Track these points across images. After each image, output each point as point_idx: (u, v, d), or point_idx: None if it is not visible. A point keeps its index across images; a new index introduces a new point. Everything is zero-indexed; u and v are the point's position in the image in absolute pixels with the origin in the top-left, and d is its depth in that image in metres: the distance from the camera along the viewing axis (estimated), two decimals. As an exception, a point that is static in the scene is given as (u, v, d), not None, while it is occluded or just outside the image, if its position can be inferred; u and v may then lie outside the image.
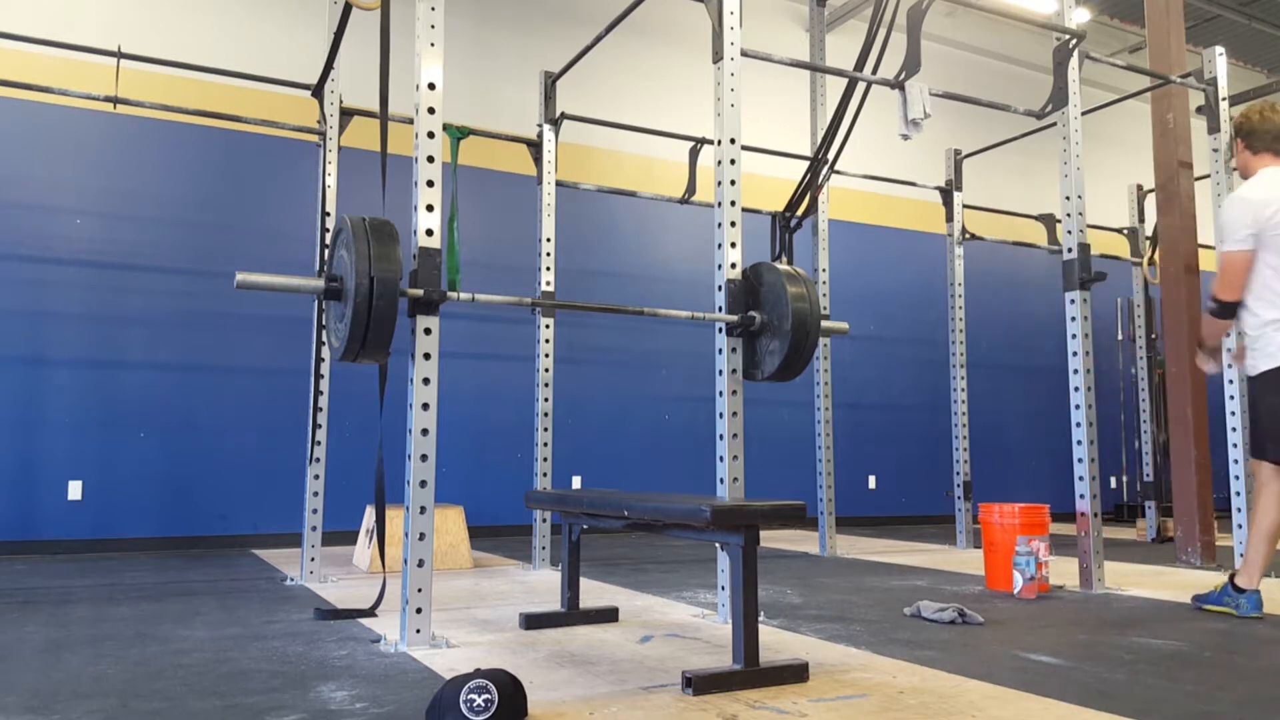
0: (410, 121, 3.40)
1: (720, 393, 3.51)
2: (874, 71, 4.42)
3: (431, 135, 3.08)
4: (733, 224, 3.56)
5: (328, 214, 4.43)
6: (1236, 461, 4.84)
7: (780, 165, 6.58)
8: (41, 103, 5.63)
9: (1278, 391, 3.49)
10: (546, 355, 5.01)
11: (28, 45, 4.86)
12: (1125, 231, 7.65)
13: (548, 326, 5.04)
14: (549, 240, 5.10)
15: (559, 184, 5.25)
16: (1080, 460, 4.35)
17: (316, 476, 4.36)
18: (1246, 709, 2.25)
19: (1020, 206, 7.85)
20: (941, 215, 6.67)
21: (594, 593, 4.03)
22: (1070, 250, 4.47)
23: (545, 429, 4.97)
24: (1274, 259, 3.48)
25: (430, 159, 3.07)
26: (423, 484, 2.98)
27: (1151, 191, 6.61)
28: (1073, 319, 4.40)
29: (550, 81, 5.18)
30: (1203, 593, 3.74)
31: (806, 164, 5.01)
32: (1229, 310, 3.59)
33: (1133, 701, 2.30)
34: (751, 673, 2.48)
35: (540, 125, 5.19)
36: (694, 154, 5.77)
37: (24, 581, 4.44)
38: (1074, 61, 4.59)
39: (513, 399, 6.72)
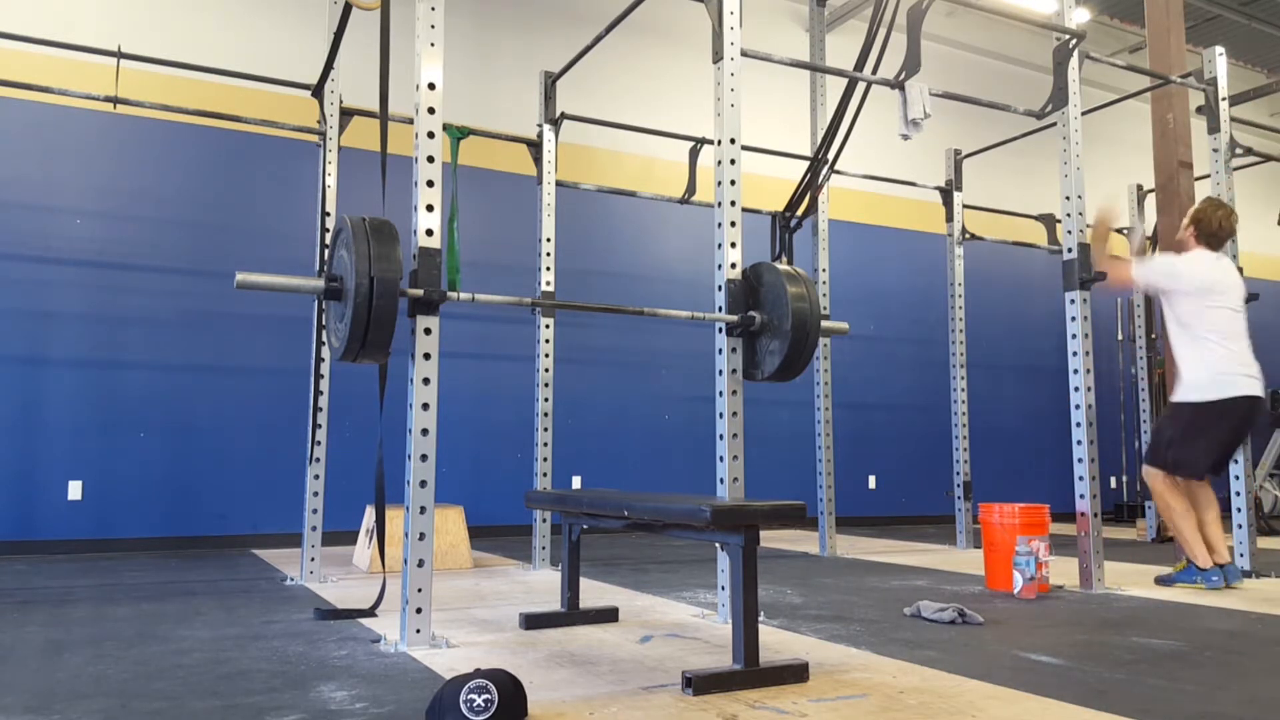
0: (410, 121, 3.40)
1: (720, 393, 3.51)
2: (874, 71, 4.42)
3: (431, 135, 3.08)
4: (733, 224, 3.56)
5: (328, 214, 4.43)
6: (1236, 462, 4.84)
7: (780, 165, 6.58)
8: (41, 103, 5.63)
9: (1177, 419, 4.28)
10: (546, 355, 5.01)
11: (28, 45, 4.85)
12: (1125, 231, 7.65)
13: (548, 326, 5.04)
14: (549, 240, 5.10)
15: (559, 184, 5.25)
16: (1080, 460, 4.34)
17: (316, 476, 4.36)
18: (1247, 709, 2.25)
19: (1020, 206, 7.85)
20: (941, 215, 6.67)
21: (594, 593, 4.03)
22: (1070, 250, 4.47)
23: (545, 429, 4.97)
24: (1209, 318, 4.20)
25: (430, 159, 3.07)
26: (423, 484, 2.98)
27: (1151, 191, 6.61)
28: (1073, 319, 4.40)
29: (550, 81, 5.18)
30: (1164, 574, 4.38)
31: (806, 164, 5.01)
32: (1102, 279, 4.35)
33: (1133, 701, 2.30)
34: (751, 673, 2.48)
35: (540, 125, 5.19)
36: (694, 154, 5.77)
37: (24, 581, 4.44)
38: (1074, 61, 4.59)
39: (513, 399, 6.72)
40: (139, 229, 6.06)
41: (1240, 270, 4.60)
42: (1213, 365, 4.16)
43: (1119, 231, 7.67)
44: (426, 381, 3.01)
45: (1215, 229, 4.37)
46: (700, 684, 2.39)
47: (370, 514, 5.01)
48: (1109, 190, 8.35)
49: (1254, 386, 4.18)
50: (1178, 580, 4.31)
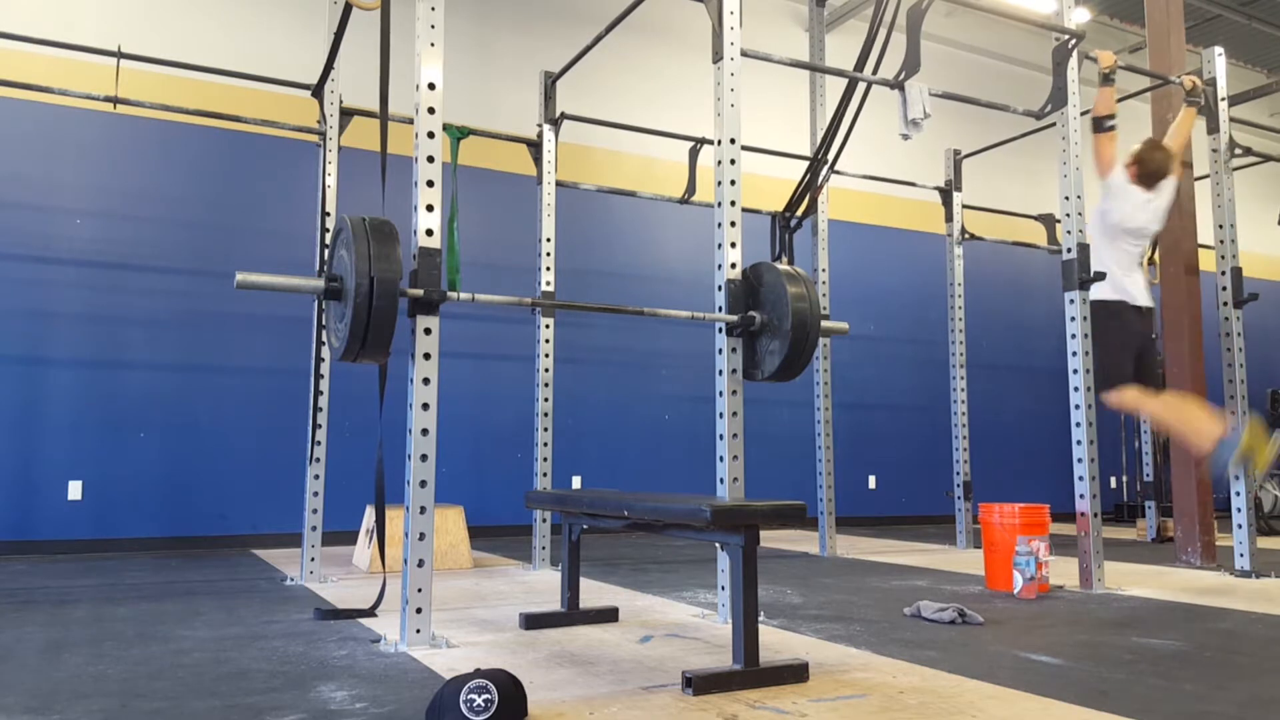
0: (410, 121, 3.40)
1: (720, 393, 3.51)
2: (874, 71, 4.42)
3: (431, 135, 3.08)
4: (733, 224, 3.56)
5: (328, 214, 4.43)
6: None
7: (780, 165, 6.58)
8: (41, 103, 5.63)
9: (1098, 338, 4.45)
10: (546, 355, 5.01)
11: (28, 45, 4.85)
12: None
13: (548, 326, 5.04)
14: (549, 240, 5.10)
15: (559, 184, 5.25)
16: (1080, 460, 4.35)
17: (316, 476, 4.36)
18: (1247, 709, 2.25)
19: (1020, 206, 7.85)
20: (941, 215, 6.67)
21: (594, 593, 4.03)
22: (1070, 250, 4.47)
23: (545, 429, 4.97)
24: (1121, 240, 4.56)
25: (430, 159, 3.07)
26: (423, 484, 2.98)
27: (1151, 191, 6.59)
28: (1072, 319, 4.41)
29: (550, 81, 5.18)
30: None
31: (806, 164, 5.01)
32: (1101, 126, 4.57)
33: (1133, 701, 2.30)
34: (751, 673, 2.48)
35: (540, 125, 5.19)
36: (694, 154, 5.77)
37: (24, 581, 4.44)
38: (1073, 61, 4.59)
39: (513, 399, 6.72)
40: (139, 229, 6.06)
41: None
42: (1114, 277, 4.49)
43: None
44: (426, 381, 3.01)
45: (1154, 169, 4.58)
46: (700, 684, 2.39)
47: (370, 514, 5.01)
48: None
49: (1143, 299, 4.53)
50: (1226, 461, 4.06)
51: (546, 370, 5.00)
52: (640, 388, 7.54)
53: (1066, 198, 4.52)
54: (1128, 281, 4.51)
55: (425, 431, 2.99)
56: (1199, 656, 2.84)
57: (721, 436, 3.46)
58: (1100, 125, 4.52)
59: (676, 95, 7.68)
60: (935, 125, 4.77)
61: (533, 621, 3.31)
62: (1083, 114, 4.65)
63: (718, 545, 3.43)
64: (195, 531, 5.98)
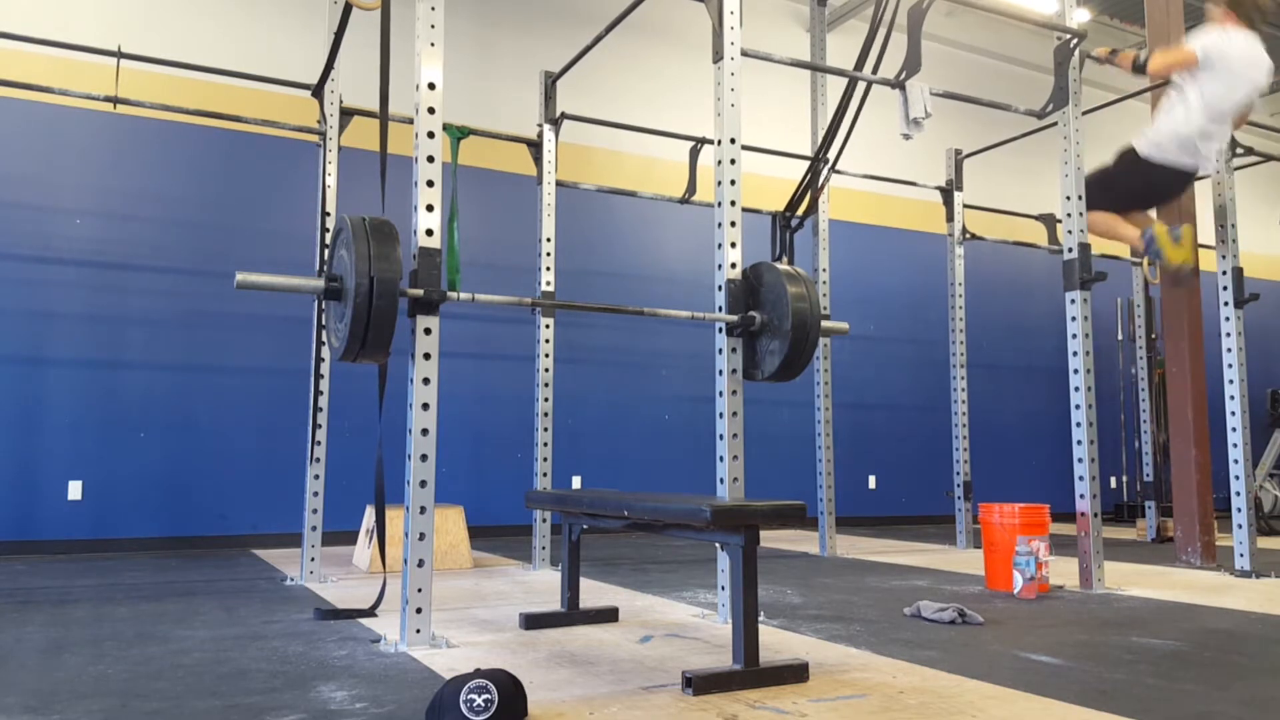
0: (410, 121, 3.40)
1: (720, 393, 3.51)
2: (874, 71, 4.42)
3: (431, 135, 3.08)
4: (733, 224, 3.56)
5: (328, 214, 4.43)
6: (1236, 462, 4.85)
7: (780, 165, 6.58)
8: (41, 103, 5.63)
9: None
10: (546, 355, 5.01)
11: (28, 45, 4.85)
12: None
13: (548, 326, 5.04)
14: (549, 240, 5.10)
15: (559, 184, 5.25)
16: (1080, 460, 4.34)
17: (316, 476, 4.36)
18: (1246, 709, 2.25)
19: (1021, 206, 7.85)
20: (942, 215, 6.66)
21: (594, 593, 4.03)
22: (1071, 250, 4.47)
23: (545, 429, 4.97)
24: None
25: (430, 159, 3.07)
26: (423, 484, 2.98)
27: (1152, 191, 6.58)
28: (1073, 319, 4.40)
29: (550, 81, 5.18)
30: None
31: (807, 164, 5.01)
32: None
33: (1133, 701, 2.30)
34: (751, 673, 2.48)
35: (540, 125, 5.18)
36: (694, 154, 5.77)
37: (24, 581, 4.44)
38: (1075, 61, 4.59)
39: (513, 399, 6.72)
40: (139, 229, 6.06)
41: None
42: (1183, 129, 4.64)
43: None
44: (426, 381, 3.01)
45: (1257, 4, 4.69)
46: (700, 684, 2.39)
47: (370, 514, 5.01)
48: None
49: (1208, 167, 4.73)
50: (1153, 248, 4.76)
51: (546, 370, 5.00)
52: (640, 388, 7.54)
53: (1068, 197, 4.51)
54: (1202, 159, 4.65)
55: (425, 431, 2.99)
56: (1199, 656, 2.84)
57: (721, 436, 3.46)
58: (1137, 65, 4.67)
59: (676, 95, 7.68)
60: (936, 125, 4.77)
61: (533, 621, 3.31)
62: (1084, 114, 4.64)
63: (718, 545, 3.43)
64: (195, 531, 5.97)
